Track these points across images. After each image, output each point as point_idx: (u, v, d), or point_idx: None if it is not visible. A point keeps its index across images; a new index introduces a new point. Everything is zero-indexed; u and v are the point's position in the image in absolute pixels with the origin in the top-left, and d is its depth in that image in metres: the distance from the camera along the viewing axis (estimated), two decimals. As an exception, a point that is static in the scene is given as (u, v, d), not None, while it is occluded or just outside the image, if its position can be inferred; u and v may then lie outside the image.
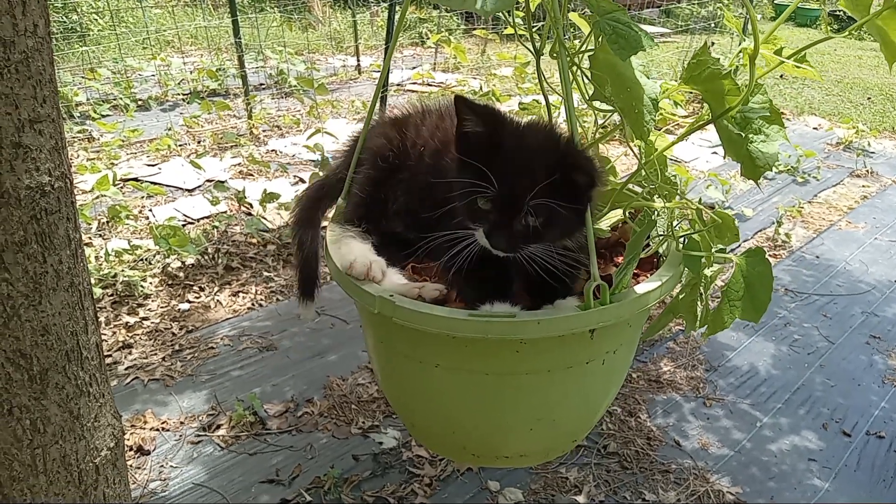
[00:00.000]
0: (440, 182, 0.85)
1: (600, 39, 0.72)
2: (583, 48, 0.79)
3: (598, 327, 0.80)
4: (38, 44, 0.50)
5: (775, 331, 2.74)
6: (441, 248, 0.82)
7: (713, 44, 5.81)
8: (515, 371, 0.83)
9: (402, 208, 0.94)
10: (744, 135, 0.82)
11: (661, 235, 0.97)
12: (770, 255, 3.36)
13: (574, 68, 0.81)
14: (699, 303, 0.97)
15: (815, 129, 5.47)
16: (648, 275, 0.96)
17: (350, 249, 0.85)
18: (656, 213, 0.93)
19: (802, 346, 2.64)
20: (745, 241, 3.50)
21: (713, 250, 0.91)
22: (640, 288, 0.85)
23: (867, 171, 4.55)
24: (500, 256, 0.83)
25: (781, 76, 7.20)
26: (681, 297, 0.99)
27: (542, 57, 0.82)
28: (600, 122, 0.99)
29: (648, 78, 0.80)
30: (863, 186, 4.31)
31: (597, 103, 0.86)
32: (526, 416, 0.87)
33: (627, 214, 0.99)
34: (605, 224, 0.93)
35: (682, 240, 0.96)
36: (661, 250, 1.02)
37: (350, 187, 0.99)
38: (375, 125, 1.02)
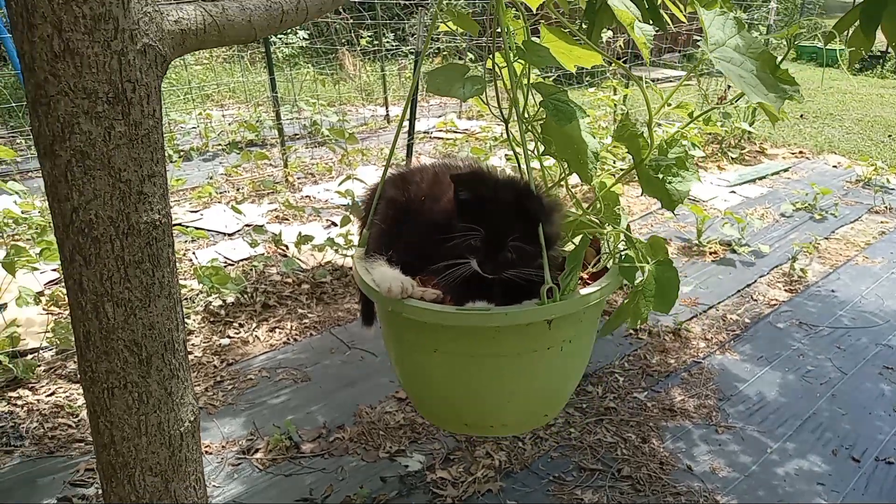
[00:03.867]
0: (441, 226, 1.10)
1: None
2: (536, 117, 1.02)
3: (552, 319, 1.02)
4: (155, 122, 0.70)
5: (788, 362, 2.82)
6: (440, 269, 1.07)
7: (729, 87, 5.99)
8: (493, 353, 1.06)
9: (408, 242, 1.20)
10: (662, 177, 0.99)
11: (607, 254, 1.16)
12: (786, 290, 3.45)
13: (531, 132, 1.05)
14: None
15: (834, 167, 5.55)
16: None
17: (384, 276, 1.09)
18: (603, 237, 1.11)
19: (815, 376, 2.72)
20: (760, 276, 3.59)
21: (652, 264, 1.08)
22: (584, 290, 1.07)
23: (886, 207, 4.61)
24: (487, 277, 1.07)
25: (801, 116, 7.33)
26: (626, 302, 1.16)
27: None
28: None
29: (594, 137, 0.99)
30: (881, 222, 4.37)
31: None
32: (503, 391, 1.11)
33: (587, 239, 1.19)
34: (569, 247, 1.12)
35: (620, 257, 1.15)
36: (608, 265, 1.21)
37: (372, 222, 1.23)
38: (390, 178, 1.27)
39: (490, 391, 1.11)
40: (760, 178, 5.17)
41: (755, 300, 3.35)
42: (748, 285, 3.49)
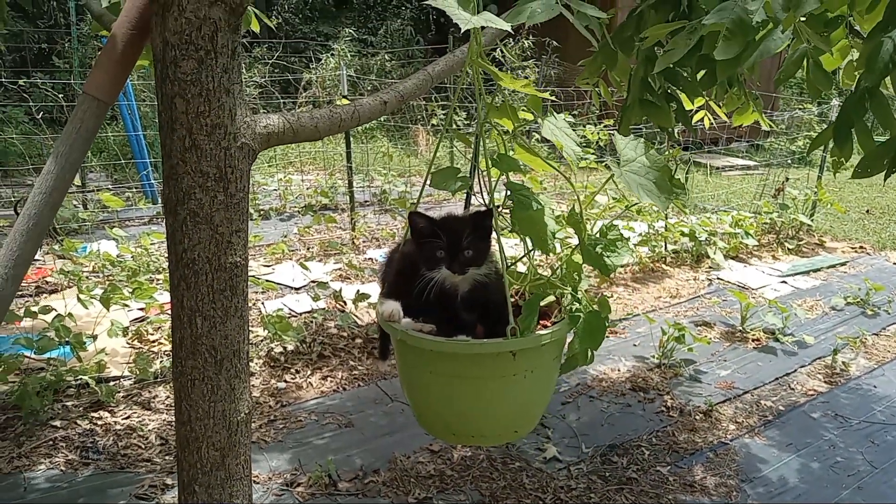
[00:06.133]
0: (414, 256, 1.44)
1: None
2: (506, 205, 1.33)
3: (515, 351, 1.29)
4: (244, 194, 1.00)
5: (818, 452, 2.85)
6: (418, 294, 1.40)
7: (787, 178, 6.08)
8: (472, 376, 1.35)
9: (398, 273, 1.56)
10: (600, 251, 1.22)
11: (564, 307, 1.41)
12: (825, 382, 3.47)
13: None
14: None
15: (895, 264, 5.50)
16: None
17: (388, 306, 1.44)
18: (564, 295, 1.35)
19: (844, 468, 2.74)
20: (801, 366, 3.62)
21: (585, 313, 1.32)
22: (539, 332, 1.34)
23: (945, 308, 4.54)
24: (452, 293, 1.38)
25: (867, 211, 7.27)
26: (570, 342, 1.39)
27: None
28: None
29: (555, 221, 1.25)
30: (938, 323, 4.31)
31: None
32: (480, 407, 1.39)
33: (555, 297, 1.44)
34: (543, 302, 1.36)
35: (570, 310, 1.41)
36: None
37: (387, 277, 1.63)
38: (401, 245, 1.62)
39: (470, 407, 1.40)
40: (815, 271, 5.18)
41: (792, 389, 3.39)
42: (787, 374, 3.53)
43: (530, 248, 1.31)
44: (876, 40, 1.51)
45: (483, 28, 1.10)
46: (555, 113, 1.27)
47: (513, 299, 1.42)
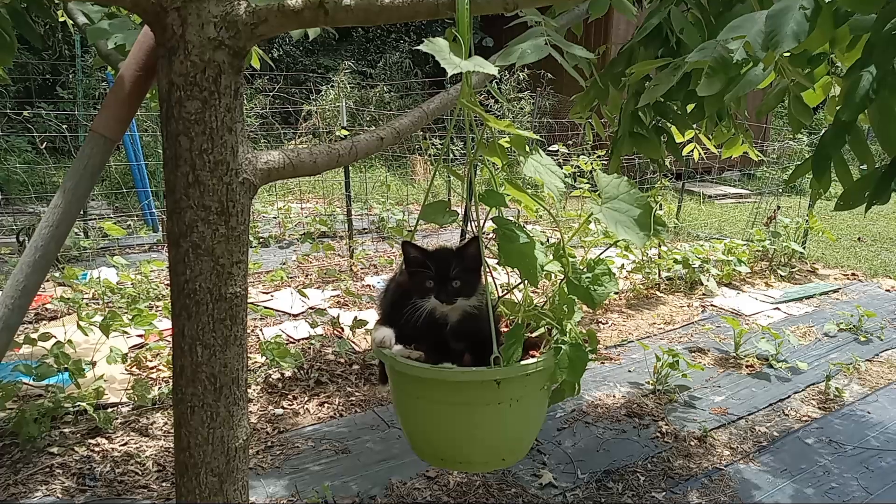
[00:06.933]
0: (405, 286, 1.49)
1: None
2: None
3: (500, 380, 1.33)
4: (245, 227, 1.05)
5: (813, 478, 2.86)
6: (409, 321, 1.45)
7: (779, 207, 6.15)
8: (459, 402, 1.38)
9: (392, 303, 1.60)
10: (587, 284, 1.27)
11: (554, 338, 1.45)
12: (819, 408, 3.49)
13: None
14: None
15: (887, 290, 5.55)
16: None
17: (381, 333, 1.48)
18: (552, 326, 1.39)
19: (838, 494, 2.75)
20: (795, 392, 3.65)
21: (567, 346, 1.36)
22: (523, 361, 1.37)
23: (938, 334, 4.58)
24: (442, 323, 1.43)
25: (859, 238, 7.33)
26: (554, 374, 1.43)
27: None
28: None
29: (545, 255, 1.30)
30: (931, 349, 4.34)
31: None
32: (467, 434, 1.42)
33: (545, 328, 1.48)
34: (535, 333, 1.39)
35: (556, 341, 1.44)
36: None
37: (383, 304, 1.66)
38: (396, 275, 1.66)
39: (458, 433, 1.43)
40: (807, 297, 5.23)
41: (786, 415, 3.41)
42: (781, 400, 3.56)
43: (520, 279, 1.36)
44: (855, 76, 1.57)
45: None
46: (539, 150, 1.32)
47: (506, 329, 1.45)
